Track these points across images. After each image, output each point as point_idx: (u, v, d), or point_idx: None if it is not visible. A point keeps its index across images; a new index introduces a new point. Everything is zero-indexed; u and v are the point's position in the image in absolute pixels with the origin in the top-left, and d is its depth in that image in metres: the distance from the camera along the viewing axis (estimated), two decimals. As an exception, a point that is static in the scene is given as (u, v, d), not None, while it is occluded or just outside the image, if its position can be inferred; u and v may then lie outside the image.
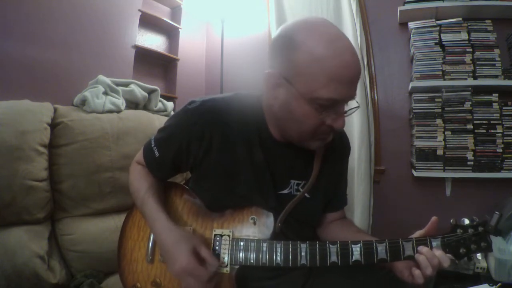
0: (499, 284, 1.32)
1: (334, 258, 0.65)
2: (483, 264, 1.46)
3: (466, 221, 0.67)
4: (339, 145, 0.83)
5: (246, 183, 0.73)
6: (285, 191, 0.75)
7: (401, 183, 1.83)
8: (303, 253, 0.66)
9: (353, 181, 1.68)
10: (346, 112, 0.64)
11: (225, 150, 0.72)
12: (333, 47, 0.58)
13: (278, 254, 0.67)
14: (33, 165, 1.01)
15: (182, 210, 0.78)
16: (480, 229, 0.64)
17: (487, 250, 0.64)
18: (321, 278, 0.80)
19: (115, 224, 1.13)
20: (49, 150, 1.09)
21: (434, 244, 0.63)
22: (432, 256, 0.61)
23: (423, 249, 0.62)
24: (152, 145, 0.78)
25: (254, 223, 0.71)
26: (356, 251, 0.64)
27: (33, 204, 1.01)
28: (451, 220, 0.66)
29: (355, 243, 0.65)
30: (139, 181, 0.79)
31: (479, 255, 0.67)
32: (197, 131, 0.71)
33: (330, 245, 0.65)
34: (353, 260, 0.64)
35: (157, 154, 0.77)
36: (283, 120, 0.67)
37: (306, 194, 0.76)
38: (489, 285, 1.33)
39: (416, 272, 0.62)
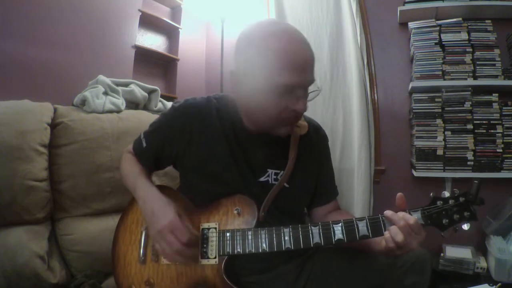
0: (499, 284, 1.33)
1: (317, 239, 0.67)
2: (483, 264, 1.46)
3: (447, 194, 0.67)
4: (315, 136, 0.89)
5: (227, 170, 0.78)
6: (263, 179, 0.80)
7: (401, 183, 1.83)
8: (286, 237, 0.69)
9: (353, 181, 1.67)
10: (308, 95, 0.71)
11: (205, 142, 0.79)
12: (281, 39, 0.66)
13: (263, 240, 0.70)
14: (33, 165, 1.01)
15: None
16: (461, 199, 0.64)
17: (471, 219, 0.64)
18: (316, 273, 0.81)
19: (115, 224, 1.12)
20: (49, 150, 1.09)
21: (414, 216, 0.64)
22: (398, 218, 0.62)
23: (387, 212, 0.64)
24: (141, 137, 0.87)
25: (239, 214, 0.75)
26: (338, 230, 0.66)
27: (33, 204, 1.01)
28: (431, 194, 0.67)
29: (336, 222, 0.67)
30: (131, 165, 0.87)
31: (465, 226, 0.67)
32: (179, 125, 0.80)
33: (312, 227, 0.68)
34: (335, 239, 0.66)
35: (144, 144, 0.85)
36: (253, 111, 0.74)
37: (285, 184, 0.80)
38: (489, 285, 1.33)
39: (387, 235, 0.63)
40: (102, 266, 1.06)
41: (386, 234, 0.63)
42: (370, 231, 0.65)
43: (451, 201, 0.65)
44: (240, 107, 0.79)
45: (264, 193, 0.78)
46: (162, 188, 0.88)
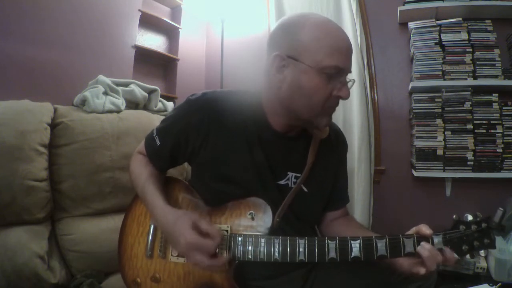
0: (499, 284, 1.33)
1: (332, 254, 0.64)
2: (483, 264, 1.46)
3: (469, 217, 0.65)
4: (335, 141, 0.86)
5: (245, 171, 0.74)
6: (283, 182, 0.76)
7: (401, 183, 1.83)
8: (301, 249, 0.66)
9: (353, 181, 1.67)
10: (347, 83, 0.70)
11: (223, 138, 0.74)
12: (329, 26, 0.68)
13: (276, 249, 0.67)
14: (33, 165, 1.01)
15: (180, 206, 0.79)
16: (484, 225, 0.63)
17: (490, 247, 0.63)
18: (322, 279, 0.81)
19: (115, 224, 1.13)
20: (49, 150, 1.09)
21: (435, 240, 0.63)
22: (436, 253, 0.61)
23: (426, 245, 0.62)
24: (154, 135, 0.81)
25: (252, 218, 0.71)
26: (356, 247, 0.64)
27: (33, 204, 1.01)
28: (454, 216, 0.65)
29: (354, 239, 0.64)
30: (140, 169, 0.82)
31: (481, 252, 0.66)
32: (196, 119, 0.74)
33: (329, 241, 0.65)
34: (352, 256, 0.64)
35: (158, 143, 0.79)
36: (293, 99, 0.69)
37: (304, 188, 0.77)
38: (489, 285, 1.33)
39: (420, 268, 0.62)
40: (102, 266, 1.07)
41: (420, 268, 0.62)
42: (388, 251, 0.63)
43: (473, 227, 0.63)
44: (271, 101, 0.75)
45: (282, 196, 0.75)
46: (170, 182, 0.85)
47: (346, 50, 0.67)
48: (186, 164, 0.98)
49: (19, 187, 0.97)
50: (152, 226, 0.79)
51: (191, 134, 0.75)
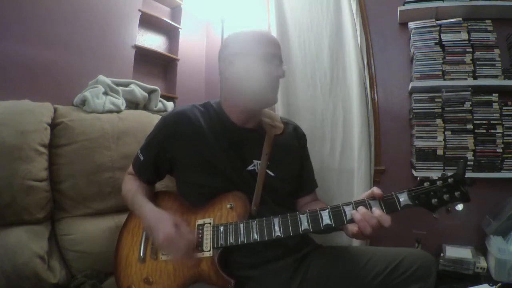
0: (499, 284, 1.33)
1: (305, 225, 0.70)
2: (483, 264, 1.46)
3: (435, 177, 0.68)
4: (294, 134, 1.01)
5: (219, 162, 0.84)
6: (250, 168, 0.87)
7: (401, 183, 1.83)
8: (276, 227, 0.72)
9: (353, 181, 1.67)
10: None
11: (197, 142, 0.86)
12: (262, 30, 0.96)
13: (255, 231, 0.73)
14: (33, 165, 1.01)
15: (170, 211, 0.85)
16: (450, 180, 0.64)
17: (463, 199, 0.64)
18: (310, 275, 0.82)
19: (116, 224, 1.13)
20: (49, 150, 1.09)
21: (401, 198, 0.65)
22: (370, 217, 0.65)
23: (361, 210, 0.66)
24: (138, 153, 0.94)
25: (232, 209, 0.79)
26: (325, 216, 0.69)
27: (33, 204, 1.01)
28: (418, 178, 0.68)
29: (323, 209, 0.70)
30: (130, 185, 0.94)
31: (458, 206, 0.66)
32: (171, 131, 0.88)
33: (300, 215, 0.72)
34: (324, 224, 0.69)
35: (141, 158, 0.92)
36: (247, 83, 0.86)
37: (270, 172, 0.87)
38: (489, 285, 1.33)
39: (355, 229, 0.67)
40: (102, 266, 1.07)
41: (355, 229, 0.68)
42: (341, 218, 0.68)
43: (439, 182, 0.65)
44: (228, 100, 0.92)
45: (254, 180, 0.85)
46: (161, 194, 0.94)
47: (276, 43, 0.90)
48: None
49: (19, 187, 0.97)
50: (144, 233, 0.86)
51: (168, 144, 0.87)
